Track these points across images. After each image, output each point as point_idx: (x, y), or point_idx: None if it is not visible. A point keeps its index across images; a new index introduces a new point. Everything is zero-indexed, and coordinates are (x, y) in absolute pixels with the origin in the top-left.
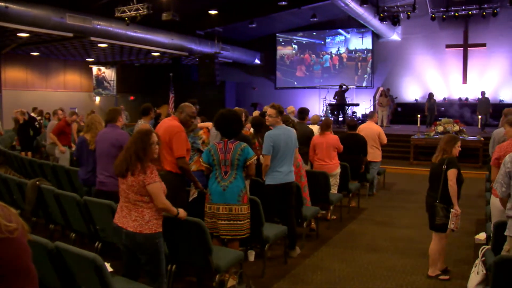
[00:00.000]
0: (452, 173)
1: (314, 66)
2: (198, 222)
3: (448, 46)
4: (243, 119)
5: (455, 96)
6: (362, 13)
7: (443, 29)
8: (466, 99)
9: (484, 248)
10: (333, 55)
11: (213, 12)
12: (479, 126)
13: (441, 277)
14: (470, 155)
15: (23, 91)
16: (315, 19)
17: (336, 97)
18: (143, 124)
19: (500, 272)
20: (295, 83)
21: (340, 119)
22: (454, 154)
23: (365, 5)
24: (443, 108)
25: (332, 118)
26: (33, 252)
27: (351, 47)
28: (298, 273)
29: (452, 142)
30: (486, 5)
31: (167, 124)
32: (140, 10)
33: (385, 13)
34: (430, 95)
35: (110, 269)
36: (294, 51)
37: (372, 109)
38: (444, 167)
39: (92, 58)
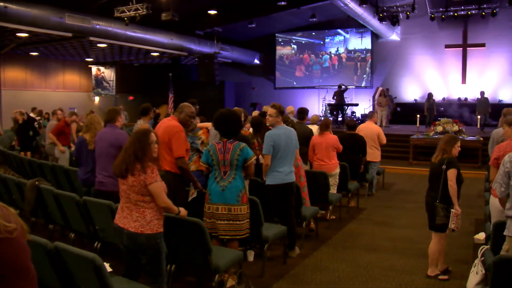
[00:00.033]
0: (451, 173)
1: (313, 66)
2: (198, 222)
3: (447, 46)
4: (242, 119)
5: (454, 96)
6: (361, 13)
7: (442, 29)
8: (465, 99)
9: (483, 248)
10: (332, 55)
11: (212, 12)
12: (478, 126)
13: (440, 277)
14: (470, 155)
15: (22, 91)
16: (314, 19)
17: (335, 97)
18: (142, 124)
19: (499, 272)
20: (294, 83)
21: (339, 119)
22: (454, 154)
23: (364, 5)
24: (442, 108)
25: (331, 118)
26: (33, 252)
27: (350, 47)
28: (298, 273)
29: (451, 142)
30: (485, 5)
31: (166, 124)
32: (140, 10)
33: (385, 13)
34: (430, 95)
35: (109, 269)
36: (293, 51)
37: (371, 109)
38: (444, 167)
39: (91, 58)
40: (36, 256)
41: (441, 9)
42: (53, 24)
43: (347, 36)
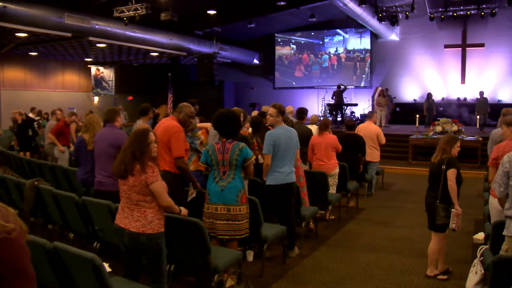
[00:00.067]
0: (451, 173)
1: (312, 66)
2: (197, 222)
3: (446, 46)
4: (242, 119)
5: (454, 96)
6: (360, 13)
7: (442, 29)
8: (465, 99)
9: (482, 248)
10: (332, 55)
11: (211, 12)
12: (478, 126)
13: (440, 277)
14: (469, 155)
15: (22, 91)
16: (313, 19)
17: (334, 97)
18: (141, 124)
19: (498, 271)
20: (294, 83)
21: (339, 119)
22: (454, 154)
23: (363, 5)
24: (441, 108)
25: (330, 118)
26: (32, 252)
27: (350, 47)
28: (297, 273)
29: (451, 142)
30: (484, 5)
31: (165, 124)
32: (139, 10)
33: (384, 13)
34: (429, 95)
35: (108, 269)
36: (292, 51)
37: (370, 109)
38: (443, 167)
39: (90, 58)
40: (35, 256)
41: (440, 9)
42: (52, 24)
43: (346, 36)
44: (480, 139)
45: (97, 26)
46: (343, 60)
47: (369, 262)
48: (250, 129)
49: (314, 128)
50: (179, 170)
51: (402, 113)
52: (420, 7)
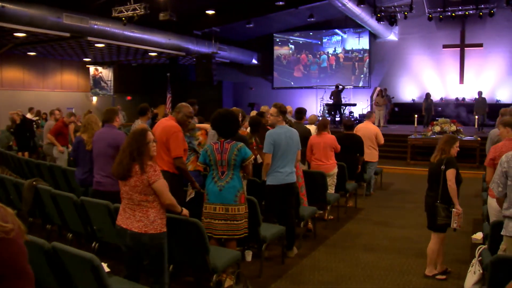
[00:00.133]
0: (450, 173)
1: (311, 66)
2: (195, 222)
3: (445, 46)
4: (240, 119)
5: (452, 96)
6: (359, 13)
7: (440, 29)
8: (463, 99)
9: (480, 247)
10: (330, 55)
11: (210, 12)
12: (476, 126)
13: (438, 276)
14: (467, 155)
15: (20, 91)
16: (312, 19)
17: (332, 97)
18: (140, 124)
19: (496, 271)
20: (292, 83)
21: (337, 119)
22: (453, 154)
23: (362, 5)
24: (440, 108)
25: (329, 118)
26: (30, 252)
27: (348, 47)
28: (296, 273)
29: (450, 142)
30: (482, 6)
31: (164, 124)
32: (137, 10)
33: (382, 13)
34: (427, 95)
35: (107, 269)
36: (291, 51)
37: (369, 109)
38: (442, 167)
39: (89, 58)
40: (33, 256)
41: (438, 9)
42: (50, 24)
43: (345, 36)
44: (479, 139)
45: (95, 26)
46: (341, 60)
47: (367, 262)
48: (248, 129)
49: (312, 128)
50: (177, 170)
51: (400, 113)
52: (418, 7)
